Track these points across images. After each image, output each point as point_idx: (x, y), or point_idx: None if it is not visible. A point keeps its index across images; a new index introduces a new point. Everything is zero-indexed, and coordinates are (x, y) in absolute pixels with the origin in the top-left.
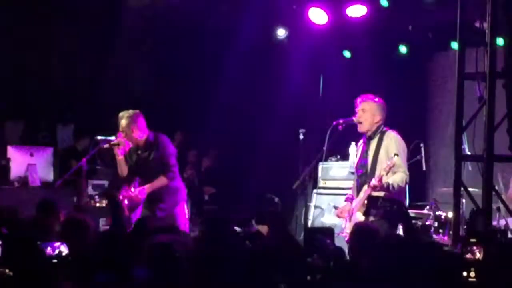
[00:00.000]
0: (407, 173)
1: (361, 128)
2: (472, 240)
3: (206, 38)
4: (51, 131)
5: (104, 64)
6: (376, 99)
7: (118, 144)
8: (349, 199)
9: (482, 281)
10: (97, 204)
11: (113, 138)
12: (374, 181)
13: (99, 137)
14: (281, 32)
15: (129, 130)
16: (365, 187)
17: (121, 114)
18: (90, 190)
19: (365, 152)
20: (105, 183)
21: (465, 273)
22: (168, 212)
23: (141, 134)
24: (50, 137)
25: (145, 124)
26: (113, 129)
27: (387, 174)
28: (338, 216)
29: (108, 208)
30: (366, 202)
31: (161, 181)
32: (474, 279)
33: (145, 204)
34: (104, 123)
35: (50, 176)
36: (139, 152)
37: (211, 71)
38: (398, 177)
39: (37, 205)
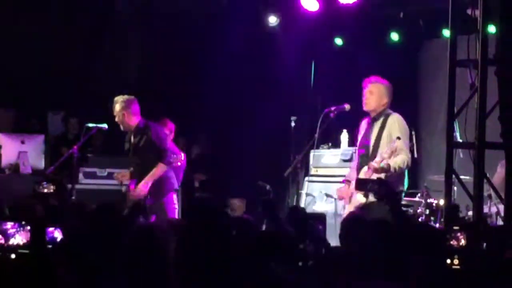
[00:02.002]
0: (409, 155)
1: (366, 107)
2: (455, 227)
3: (198, 26)
4: (42, 119)
5: (95, 51)
6: (385, 82)
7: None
8: (348, 181)
9: (466, 268)
10: (45, 190)
11: (104, 125)
12: (375, 164)
13: (90, 125)
14: (273, 20)
15: (122, 114)
16: (365, 168)
17: (116, 98)
18: (81, 178)
19: (367, 133)
20: (96, 170)
21: (448, 261)
22: (156, 200)
23: (133, 119)
24: (41, 125)
25: (138, 111)
26: (104, 116)
27: (389, 158)
28: (339, 198)
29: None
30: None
31: (160, 168)
32: (458, 267)
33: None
34: (96, 111)
35: (41, 163)
36: (132, 139)
37: (202, 59)
38: (399, 159)
39: None
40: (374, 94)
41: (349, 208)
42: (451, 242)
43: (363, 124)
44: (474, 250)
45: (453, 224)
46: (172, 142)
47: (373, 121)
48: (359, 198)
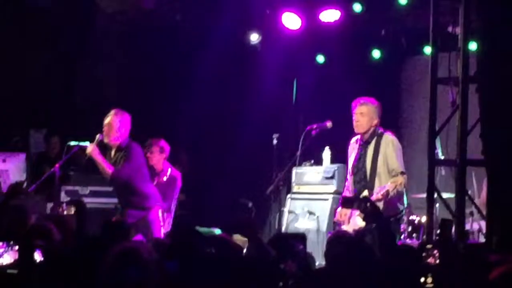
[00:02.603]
0: (405, 175)
1: (358, 129)
2: (428, 246)
3: (179, 43)
4: (24, 136)
5: (77, 68)
6: (374, 102)
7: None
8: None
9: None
10: (65, 212)
11: (86, 143)
12: (379, 195)
13: (72, 143)
14: (254, 37)
15: (111, 127)
16: (365, 192)
17: (113, 110)
18: (63, 196)
19: (361, 155)
20: (78, 188)
21: (422, 279)
22: (138, 218)
23: (118, 136)
24: (23, 142)
25: (127, 129)
26: (87, 134)
27: (386, 198)
28: (337, 220)
29: (76, 216)
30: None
31: (107, 172)
32: (431, 285)
33: (119, 209)
34: (78, 128)
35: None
36: (111, 156)
37: (184, 76)
38: (397, 182)
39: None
40: (365, 115)
41: (348, 229)
42: (428, 260)
43: (353, 144)
44: (447, 269)
45: (427, 242)
46: (162, 161)
47: (366, 144)
48: (359, 222)
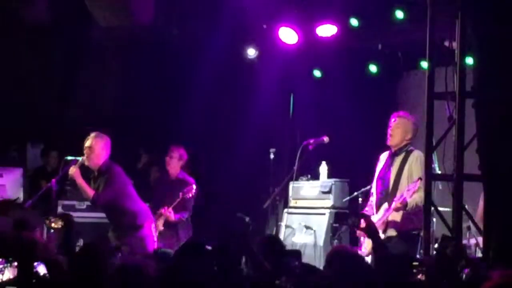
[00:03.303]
0: (422, 195)
1: (390, 141)
2: (414, 263)
3: (176, 58)
4: (21, 151)
5: (74, 83)
6: (411, 118)
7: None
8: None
9: None
10: (52, 225)
11: (83, 158)
12: (397, 203)
13: (68, 158)
14: (251, 52)
15: (92, 149)
16: (385, 205)
17: (92, 133)
18: (60, 210)
19: (387, 167)
20: (75, 203)
21: None
22: (132, 235)
23: (99, 159)
24: (20, 157)
25: (107, 152)
26: (83, 148)
27: (410, 197)
28: (359, 235)
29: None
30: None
31: (90, 191)
32: None
33: (114, 234)
34: (74, 143)
35: (20, 197)
36: (92, 181)
37: (181, 91)
38: (418, 198)
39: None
40: (400, 128)
41: (368, 244)
42: (419, 277)
43: (382, 158)
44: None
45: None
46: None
47: (393, 156)
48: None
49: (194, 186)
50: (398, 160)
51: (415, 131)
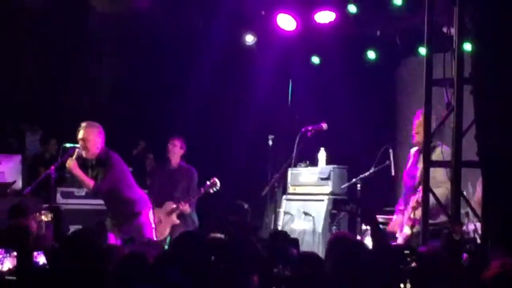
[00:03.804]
0: (449, 188)
1: (416, 139)
2: (406, 251)
3: (174, 45)
4: (19, 138)
5: (71, 70)
6: (433, 114)
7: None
8: (400, 211)
9: None
10: (43, 218)
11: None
12: (414, 203)
13: (67, 145)
14: (250, 38)
15: (86, 140)
16: (414, 197)
17: (83, 124)
18: (59, 198)
19: (415, 163)
20: (74, 190)
21: (402, 285)
22: (131, 222)
23: (96, 148)
24: (18, 144)
25: (103, 139)
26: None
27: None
28: (390, 228)
29: (53, 222)
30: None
31: (90, 182)
32: None
33: (112, 221)
34: (73, 130)
35: (18, 184)
36: (92, 166)
37: (179, 78)
38: (439, 193)
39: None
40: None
41: (400, 237)
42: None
43: (412, 154)
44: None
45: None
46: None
47: (420, 152)
48: (406, 230)
49: (218, 182)
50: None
51: (437, 125)
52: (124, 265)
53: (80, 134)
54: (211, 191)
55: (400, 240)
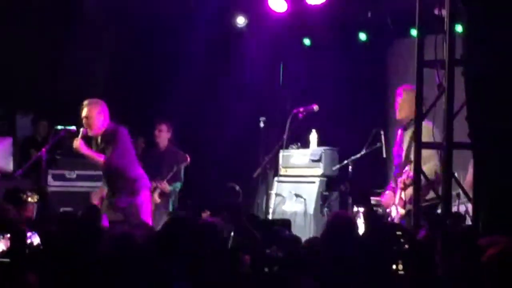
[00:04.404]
0: (438, 163)
1: (398, 115)
2: (398, 233)
3: (166, 27)
4: (10, 120)
5: (64, 52)
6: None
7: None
8: (392, 188)
9: (410, 273)
10: (29, 199)
11: (73, 127)
12: (404, 181)
13: (59, 127)
14: (241, 20)
15: (89, 118)
16: (401, 177)
17: (85, 101)
18: (50, 180)
19: (400, 143)
20: (65, 172)
21: (394, 266)
22: (129, 203)
23: (102, 124)
24: (9, 126)
25: (107, 115)
26: (73, 118)
27: (404, 190)
28: (385, 206)
29: (38, 204)
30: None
31: (100, 158)
32: (402, 272)
33: (107, 192)
34: (64, 112)
35: (9, 166)
36: (97, 144)
37: (170, 60)
38: (427, 170)
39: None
40: (407, 102)
41: (396, 217)
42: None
43: (399, 133)
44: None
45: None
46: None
47: (404, 130)
48: (400, 210)
49: (188, 157)
50: (408, 135)
51: (429, 107)
52: (113, 247)
53: (84, 112)
54: (183, 166)
55: (396, 220)
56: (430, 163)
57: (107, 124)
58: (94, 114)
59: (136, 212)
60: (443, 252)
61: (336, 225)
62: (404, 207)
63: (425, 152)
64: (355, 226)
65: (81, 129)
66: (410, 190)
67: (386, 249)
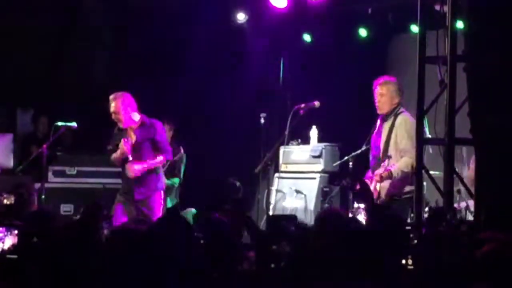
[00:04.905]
0: (413, 157)
1: (379, 110)
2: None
3: (166, 23)
4: (11, 117)
5: (64, 48)
6: (393, 79)
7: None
8: (369, 178)
9: (418, 268)
10: (5, 201)
11: (73, 124)
12: (377, 177)
13: (59, 123)
14: (241, 16)
15: (117, 113)
16: (378, 170)
17: (111, 96)
18: (51, 176)
19: (379, 134)
20: (66, 169)
21: (403, 261)
22: (146, 196)
23: (128, 117)
24: (9, 123)
25: (134, 105)
26: (73, 114)
27: (380, 182)
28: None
29: (15, 205)
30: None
31: (159, 160)
32: (411, 267)
33: (124, 186)
34: (65, 109)
35: (10, 163)
36: (132, 136)
37: (171, 56)
38: (403, 163)
39: None
40: (385, 95)
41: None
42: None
43: (378, 123)
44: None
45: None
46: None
47: (383, 121)
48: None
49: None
50: (387, 125)
51: (401, 91)
52: (112, 240)
53: (111, 108)
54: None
55: None
56: (406, 156)
57: (140, 116)
58: (122, 107)
59: (149, 207)
60: (442, 246)
61: (327, 224)
62: (378, 198)
63: (404, 144)
64: (347, 219)
65: (121, 142)
66: (385, 183)
67: (393, 244)
